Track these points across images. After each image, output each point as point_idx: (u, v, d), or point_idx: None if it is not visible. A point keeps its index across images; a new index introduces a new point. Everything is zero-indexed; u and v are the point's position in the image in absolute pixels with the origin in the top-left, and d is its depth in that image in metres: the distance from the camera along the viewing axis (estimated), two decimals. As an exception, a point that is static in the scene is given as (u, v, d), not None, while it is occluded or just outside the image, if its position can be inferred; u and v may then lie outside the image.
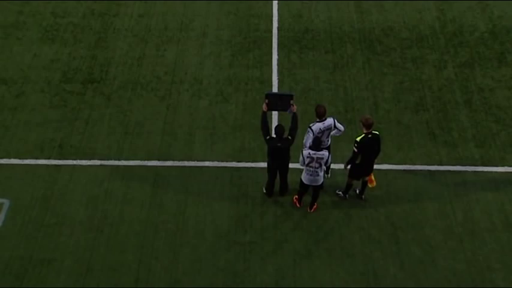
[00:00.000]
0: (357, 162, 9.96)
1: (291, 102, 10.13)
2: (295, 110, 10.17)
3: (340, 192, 10.55)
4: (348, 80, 12.92)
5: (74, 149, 11.47)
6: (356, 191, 10.64)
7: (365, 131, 9.74)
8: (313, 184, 10.03)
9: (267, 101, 10.07)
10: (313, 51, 13.62)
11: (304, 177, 9.99)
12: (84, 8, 14.77)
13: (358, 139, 9.75)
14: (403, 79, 12.97)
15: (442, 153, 11.47)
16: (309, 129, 10.09)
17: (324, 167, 9.84)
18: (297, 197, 10.50)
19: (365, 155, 9.88)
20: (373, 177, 10.28)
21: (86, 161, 11.25)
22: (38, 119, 12.05)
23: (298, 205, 10.50)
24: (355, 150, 9.80)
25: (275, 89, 12.68)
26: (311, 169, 9.82)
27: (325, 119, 10.12)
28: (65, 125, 11.94)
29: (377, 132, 9.91)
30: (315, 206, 10.42)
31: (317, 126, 10.08)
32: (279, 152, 10.03)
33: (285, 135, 10.11)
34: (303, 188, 10.20)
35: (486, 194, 10.75)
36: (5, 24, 14.31)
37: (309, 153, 9.73)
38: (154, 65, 13.30)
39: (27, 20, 14.43)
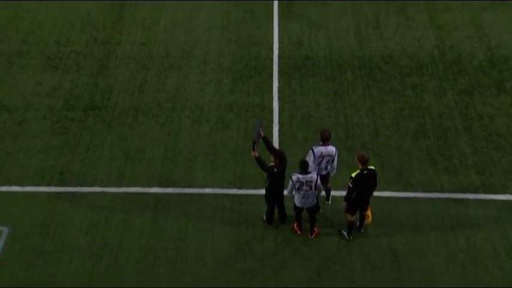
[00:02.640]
0: (353, 196, 9.92)
1: (260, 129, 10.17)
2: (262, 134, 10.21)
3: (345, 233, 10.41)
4: (348, 107, 12.99)
5: (75, 175, 11.47)
6: (356, 223, 10.55)
7: (360, 167, 9.73)
8: (307, 206, 10.03)
9: (255, 146, 10.01)
10: (313, 78, 13.72)
11: (297, 200, 10.02)
12: (87, 37, 14.96)
13: (353, 175, 9.73)
14: (403, 106, 13.04)
15: (443, 180, 11.45)
16: (310, 150, 10.20)
17: (314, 189, 9.85)
18: (296, 223, 10.45)
19: (360, 190, 9.84)
20: (369, 213, 10.22)
21: (87, 187, 11.23)
22: (39, 146, 12.09)
23: (299, 232, 10.44)
24: (350, 185, 9.77)
25: (275, 116, 12.75)
26: (302, 192, 9.85)
27: (328, 145, 10.21)
28: (66, 151, 11.97)
29: (373, 168, 9.86)
30: (315, 232, 10.36)
31: (319, 150, 10.19)
32: (283, 175, 10.04)
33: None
34: (297, 211, 10.20)
35: (488, 221, 10.69)
36: (9, 52, 14.47)
37: (298, 177, 9.79)
38: (155, 91, 13.40)
39: (31, 48, 14.60)
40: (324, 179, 10.48)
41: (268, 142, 10.23)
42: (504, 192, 11.19)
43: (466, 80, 13.66)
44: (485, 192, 11.20)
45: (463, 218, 10.73)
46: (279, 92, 13.37)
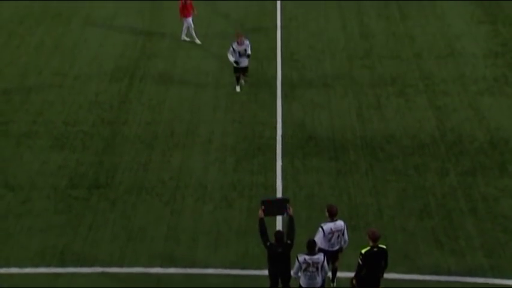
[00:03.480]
0: (362, 274, 9.74)
1: (287, 205, 10.21)
2: (291, 213, 10.20)
3: None
4: (351, 186, 13.01)
5: (76, 255, 11.30)
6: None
7: (371, 244, 9.65)
8: (312, 287, 9.79)
9: (263, 207, 10.10)
10: (316, 158, 13.84)
11: (303, 281, 9.81)
12: (94, 117, 15.26)
13: (363, 251, 9.64)
14: (407, 186, 13.04)
15: (450, 262, 11.23)
16: (320, 228, 10.16)
17: (321, 271, 9.67)
18: None
19: (370, 269, 9.68)
20: None
21: (87, 268, 11.03)
22: (41, 225, 12.00)
23: None
24: (360, 262, 9.66)
25: (279, 195, 12.73)
26: (309, 273, 9.69)
27: (337, 220, 10.21)
28: (68, 231, 11.87)
29: (384, 246, 9.76)
30: None
31: (328, 226, 10.17)
32: (280, 257, 9.89)
33: (284, 239, 10.01)
34: None
35: (500, 307, 10.38)
36: (19, 133, 14.67)
37: (305, 258, 9.65)
38: (159, 170, 13.49)
39: (39, 129, 14.83)
40: (334, 255, 10.35)
41: (289, 223, 10.08)
42: (514, 277, 10.94)
43: (468, 161, 13.73)
44: (494, 276, 10.93)
45: (473, 302, 10.44)
46: (282, 171, 13.44)
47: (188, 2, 17.76)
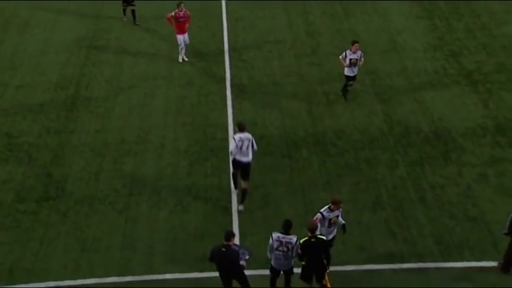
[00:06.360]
0: (304, 264, 10.08)
1: (246, 258, 10.15)
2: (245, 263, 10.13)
3: None
4: (305, 183, 13.16)
5: (26, 271, 10.94)
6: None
7: (309, 235, 9.96)
8: (283, 269, 10.04)
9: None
10: (269, 156, 13.91)
11: (274, 262, 10.04)
12: (40, 127, 14.80)
13: (301, 241, 9.96)
14: (359, 179, 13.31)
15: (404, 250, 11.55)
16: (232, 139, 12.10)
17: (291, 252, 9.83)
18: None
19: (311, 259, 9.99)
20: (327, 280, 10.20)
21: (39, 283, 10.70)
22: (-13, 243, 11.57)
23: None
24: (299, 251, 9.98)
25: (234, 197, 12.74)
26: (280, 253, 9.88)
27: (244, 132, 12.09)
28: (16, 247, 11.46)
29: (323, 237, 10.07)
30: None
31: (238, 136, 12.00)
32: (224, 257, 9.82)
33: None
34: (273, 273, 10.20)
35: (451, 289, 10.75)
36: (-43, 148, 14.13)
37: (278, 236, 9.85)
38: (111, 178, 13.24)
39: (-20, 144, 14.29)
40: (246, 168, 12.11)
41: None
42: (461, 260, 11.34)
43: (416, 152, 14.15)
44: (444, 260, 11.33)
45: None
46: (236, 172, 13.46)
47: (182, 19, 16.48)
